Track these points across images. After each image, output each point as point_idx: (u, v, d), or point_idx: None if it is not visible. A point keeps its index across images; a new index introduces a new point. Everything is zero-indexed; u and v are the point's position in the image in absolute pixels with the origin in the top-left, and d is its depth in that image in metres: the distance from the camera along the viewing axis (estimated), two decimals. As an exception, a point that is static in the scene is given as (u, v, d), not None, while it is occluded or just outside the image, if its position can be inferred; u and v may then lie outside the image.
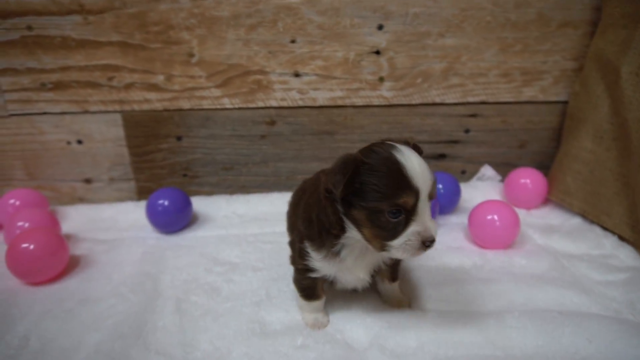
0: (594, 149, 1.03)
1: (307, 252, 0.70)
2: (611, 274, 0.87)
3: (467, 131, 1.20)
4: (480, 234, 0.97)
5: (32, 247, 0.86)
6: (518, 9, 1.09)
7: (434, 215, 1.04)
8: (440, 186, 1.10)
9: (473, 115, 1.19)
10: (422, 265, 0.91)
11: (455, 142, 1.22)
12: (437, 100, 1.16)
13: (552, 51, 1.13)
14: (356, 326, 0.74)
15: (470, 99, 1.17)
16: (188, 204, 1.07)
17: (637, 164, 0.92)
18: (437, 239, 0.98)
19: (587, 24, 1.11)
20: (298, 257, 0.73)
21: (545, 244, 0.98)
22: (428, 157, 1.21)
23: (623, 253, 0.93)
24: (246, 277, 0.89)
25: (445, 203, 1.10)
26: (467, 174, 1.26)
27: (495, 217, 0.95)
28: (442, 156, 1.23)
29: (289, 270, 0.90)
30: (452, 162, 1.24)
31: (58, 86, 1.10)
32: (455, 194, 1.11)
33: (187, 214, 1.08)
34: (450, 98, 1.17)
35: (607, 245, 0.96)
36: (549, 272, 0.88)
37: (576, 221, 1.06)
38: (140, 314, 0.79)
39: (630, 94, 0.93)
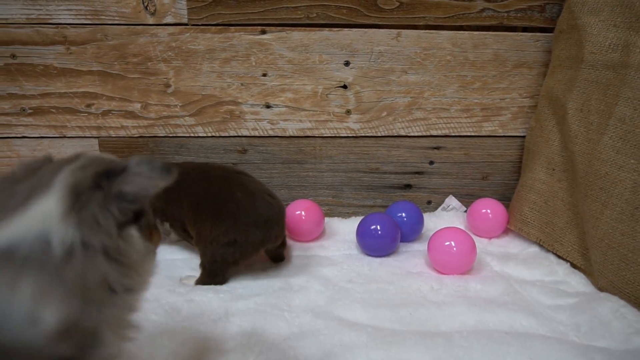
0: (547, 180, 1.08)
1: None
2: (561, 299, 0.90)
3: (431, 163, 1.26)
4: (438, 260, 1.00)
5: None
6: (476, 49, 1.17)
7: (395, 241, 1.08)
8: (403, 214, 1.14)
9: (437, 148, 1.25)
10: (380, 287, 0.94)
11: (421, 173, 1.27)
12: (402, 132, 1.22)
13: (509, 89, 1.21)
14: (309, 343, 0.76)
15: (434, 132, 1.23)
16: (158, 227, 1.10)
17: (583, 194, 0.97)
18: (399, 265, 1.03)
19: (540, 65, 1.19)
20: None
21: (501, 271, 1.01)
22: (394, 187, 1.27)
23: (574, 279, 0.97)
24: (207, 297, 0.90)
25: (408, 231, 1.13)
26: (432, 205, 1.30)
27: (452, 243, 0.98)
28: (408, 186, 1.28)
29: (251, 291, 0.92)
30: (418, 193, 1.29)
31: (37, 111, 1.14)
32: (418, 222, 1.15)
33: (157, 237, 1.10)
34: (414, 131, 1.23)
35: (560, 272, 1.00)
36: (502, 297, 0.91)
37: (533, 250, 1.10)
38: (98, 332, 0.80)
39: (575, 128, 1.00)
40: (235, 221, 0.91)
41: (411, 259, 1.07)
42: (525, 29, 1.17)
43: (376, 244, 1.07)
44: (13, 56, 1.10)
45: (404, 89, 1.19)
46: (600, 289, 0.92)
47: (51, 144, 1.17)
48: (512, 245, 1.14)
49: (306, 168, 1.23)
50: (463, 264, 0.99)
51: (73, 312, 0.35)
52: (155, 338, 0.78)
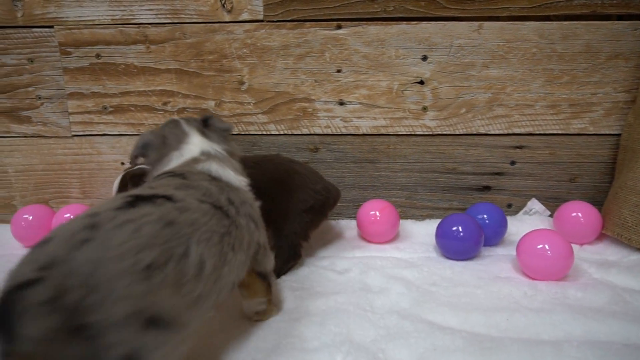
0: (652, 180, 0.98)
1: None
2: (681, 311, 0.79)
3: (512, 163, 1.18)
4: (530, 264, 0.92)
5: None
6: (565, 40, 1.09)
7: (478, 244, 1.00)
8: (484, 216, 1.07)
9: (519, 147, 1.17)
10: (468, 292, 0.87)
11: (501, 174, 1.19)
12: (482, 130, 1.16)
13: (602, 83, 1.11)
14: (399, 346, 0.71)
15: (516, 130, 1.15)
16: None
17: (702, 193, 0.86)
18: (484, 269, 0.96)
19: (638, 56, 1.09)
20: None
21: (602, 278, 0.92)
22: (472, 189, 1.19)
23: (693, 290, 0.86)
24: (283, 296, 0.87)
25: (491, 234, 1.06)
26: (513, 208, 1.21)
27: (546, 246, 0.90)
28: (486, 188, 1.20)
29: (329, 290, 0.88)
30: (497, 195, 1.20)
31: (118, 109, 1.17)
32: (502, 225, 1.07)
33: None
34: (495, 129, 1.15)
35: (674, 282, 0.89)
36: (609, 306, 0.81)
37: (636, 257, 0.99)
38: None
39: (689, 121, 0.90)
40: (308, 188, 0.98)
41: (497, 262, 1.00)
42: (620, 17, 1.08)
43: (458, 246, 1.00)
44: (98, 56, 1.14)
45: (484, 84, 1.13)
46: None
47: (129, 141, 1.19)
48: (610, 251, 1.03)
49: (379, 167, 1.19)
50: (558, 269, 0.90)
51: (245, 179, 0.78)
52: (236, 335, 0.76)
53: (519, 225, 1.14)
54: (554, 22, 1.09)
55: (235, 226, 0.65)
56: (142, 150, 0.78)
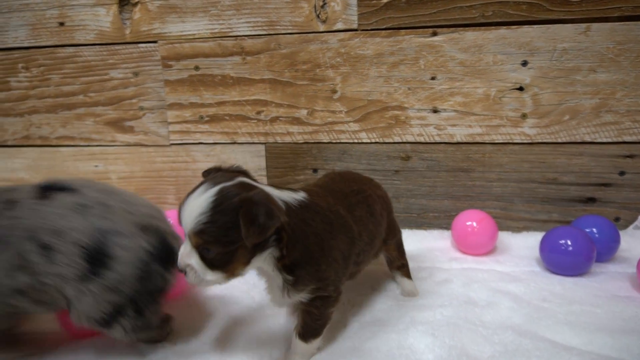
0: None
1: None
2: None
3: (622, 173, 1.10)
4: (656, 283, 0.84)
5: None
6: (685, 41, 1.01)
7: (590, 260, 0.94)
8: (593, 230, 1.00)
9: (630, 156, 1.08)
10: (585, 310, 0.81)
11: (608, 185, 1.11)
12: (587, 138, 1.09)
13: None
14: (522, 365, 0.67)
15: (627, 138, 1.07)
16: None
17: None
18: (599, 287, 0.89)
19: None
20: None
21: None
22: (575, 201, 1.12)
23: None
24: (386, 305, 0.85)
25: (602, 250, 0.98)
26: (621, 222, 1.13)
27: (675, 264, 0.82)
28: (591, 200, 1.12)
29: (433, 302, 0.86)
30: (604, 208, 1.12)
31: (213, 119, 1.22)
32: (614, 240, 0.99)
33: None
34: (602, 137, 1.08)
35: None
36: None
37: None
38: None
39: None
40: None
41: (612, 280, 0.92)
42: None
43: (567, 261, 0.94)
44: (196, 68, 1.20)
45: (591, 89, 1.06)
46: None
47: (223, 149, 1.24)
48: None
49: (473, 177, 1.15)
50: (690, 290, 0.82)
51: None
52: (345, 341, 0.75)
53: (630, 241, 1.06)
54: (673, 22, 1.01)
55: None
56: None
